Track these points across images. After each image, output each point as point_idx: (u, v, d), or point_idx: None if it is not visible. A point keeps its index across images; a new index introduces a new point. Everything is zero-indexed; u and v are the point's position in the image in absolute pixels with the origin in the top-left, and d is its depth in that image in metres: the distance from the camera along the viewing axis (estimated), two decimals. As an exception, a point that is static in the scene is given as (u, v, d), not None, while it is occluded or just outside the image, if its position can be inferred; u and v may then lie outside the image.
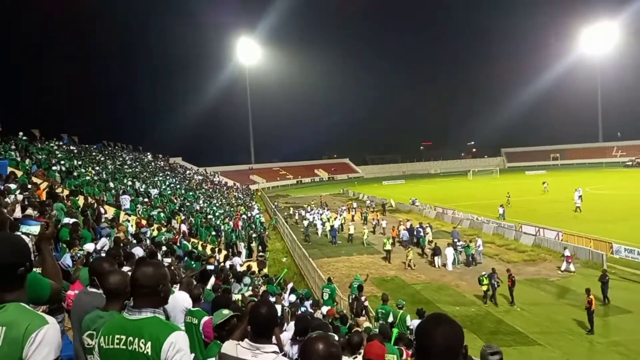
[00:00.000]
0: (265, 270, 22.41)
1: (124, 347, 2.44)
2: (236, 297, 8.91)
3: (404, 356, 8.04)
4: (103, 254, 7.49)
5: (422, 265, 25.92)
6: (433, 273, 24.14)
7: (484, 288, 18.98)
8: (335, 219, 39.21)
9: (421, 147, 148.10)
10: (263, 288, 14.19)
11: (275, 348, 2.77)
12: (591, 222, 32.36)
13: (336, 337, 7.10)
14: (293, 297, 14.05)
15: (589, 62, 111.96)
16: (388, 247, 27.02)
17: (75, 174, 23.09)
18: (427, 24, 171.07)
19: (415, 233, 30.13)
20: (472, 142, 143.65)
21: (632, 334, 15.04)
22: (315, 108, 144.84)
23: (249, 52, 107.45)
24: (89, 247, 7.97)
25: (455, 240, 26.76)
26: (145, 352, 2.39)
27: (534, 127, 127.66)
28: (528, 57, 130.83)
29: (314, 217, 40.45)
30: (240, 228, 32.08)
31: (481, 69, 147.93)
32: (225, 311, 4.57)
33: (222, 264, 16.04)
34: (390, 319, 12.71)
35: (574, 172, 79.55)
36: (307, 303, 13.77)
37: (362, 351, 6.50)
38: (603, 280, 17.83)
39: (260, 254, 26.22)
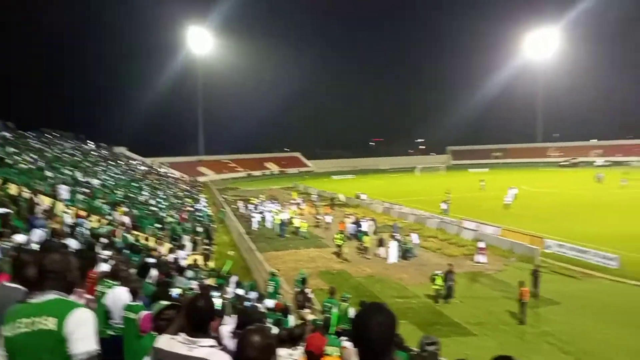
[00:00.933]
0: (211, 264, 22.09)
1: (28, 329, 2.37)
2: (177, 291, 8.74)
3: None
4: (37, 247, 7.16)
5: (363, 259, 26.32)
6: (378, 266, 24.64)
7: (436, 287, 18.40)
8: (282, 212, 39.17)
9: (371, 143, 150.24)
10: (208, 281, 14.02)
11: (213, 342, 2.76)
12: (528, 218, 34.11)
13: (275, 330, 7.17)
14: (240, 291, 13.96)
15: (532, 65, 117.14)
16: (339, 242, 27.20)
17: (9, 162, 21.80)
18: (380, 21, 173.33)
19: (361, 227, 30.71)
20: (422, 140, 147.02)
21: (560, 325, 15.98)
22: (267, 100, 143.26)
23: (201, 42, 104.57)
24: (20, 238, 7.56)
25: (395, 234, 27.41)
26: (49, 328, 2.34)
27: (481, 126, 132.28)
28: (477, 59, 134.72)
29: (262, 211, 40.13)
30: (186, 220, 31.42)
31: (433, 68, 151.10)
32: (165, 302, 4.52)
33: (164, 257, 15.66)
34: (335, 311, 12.93)
35: (515, 171, 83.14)
36: (253, 295, 13.73)
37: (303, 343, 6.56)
38: (535, 274, 18.84)
39: (206, 246, 25.82)
